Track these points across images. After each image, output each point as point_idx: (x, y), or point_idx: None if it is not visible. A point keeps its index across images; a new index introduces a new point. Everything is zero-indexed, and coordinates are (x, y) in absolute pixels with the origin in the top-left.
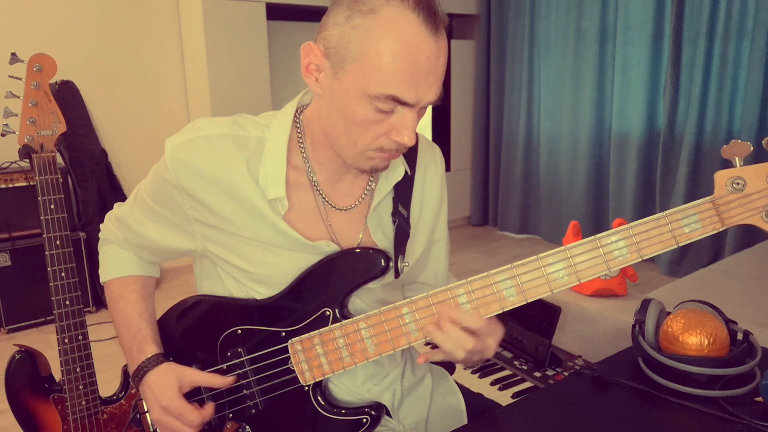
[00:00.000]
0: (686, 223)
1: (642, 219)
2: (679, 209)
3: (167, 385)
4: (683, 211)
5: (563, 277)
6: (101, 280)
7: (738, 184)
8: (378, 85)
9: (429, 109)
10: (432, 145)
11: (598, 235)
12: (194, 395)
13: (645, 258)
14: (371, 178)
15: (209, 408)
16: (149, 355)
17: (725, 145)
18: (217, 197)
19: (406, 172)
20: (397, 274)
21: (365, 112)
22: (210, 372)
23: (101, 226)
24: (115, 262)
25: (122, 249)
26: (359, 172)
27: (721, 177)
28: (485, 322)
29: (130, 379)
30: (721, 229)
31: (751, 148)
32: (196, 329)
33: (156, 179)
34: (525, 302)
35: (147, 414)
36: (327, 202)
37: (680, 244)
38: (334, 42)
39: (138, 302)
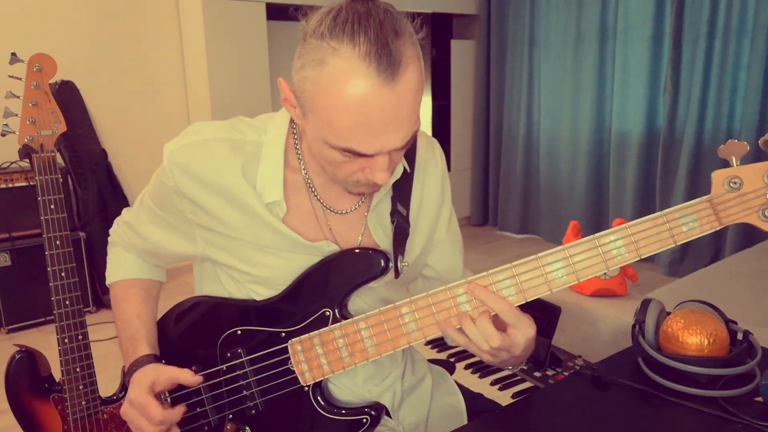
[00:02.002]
0: (684, 222)
1: (640, 218)
2: (676, 208)
3: (139, 381)
4: (681, 210)
5: (562, 277)
6: (106, 282)
7: (735, 183)
8: (333, 139)
9: (429, 109)
10: (431, 141)
11: (597, 235)
12: (194, 396)
13: (643, 257)
14: None
15: (178, 409)
16: (140, 356)
17: (722, 145)
18: (216, 201)
19: (405, 169)
20: (397, 274)
21: (332, 155)
22: (210, 373)
23: (110, 230)
24: (120, 264)
25: (128, 252)
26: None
27: (718, 176)
28: (515, 312)
29: (123, 379)
30: (718, 228)
31: (748, 148)
32: (196, 330)
33: (157, 184)
34: (524, 302)
35: None
36: (325, 206)
37: (678, 243)
38: (296, 87)
39: (138, 304)
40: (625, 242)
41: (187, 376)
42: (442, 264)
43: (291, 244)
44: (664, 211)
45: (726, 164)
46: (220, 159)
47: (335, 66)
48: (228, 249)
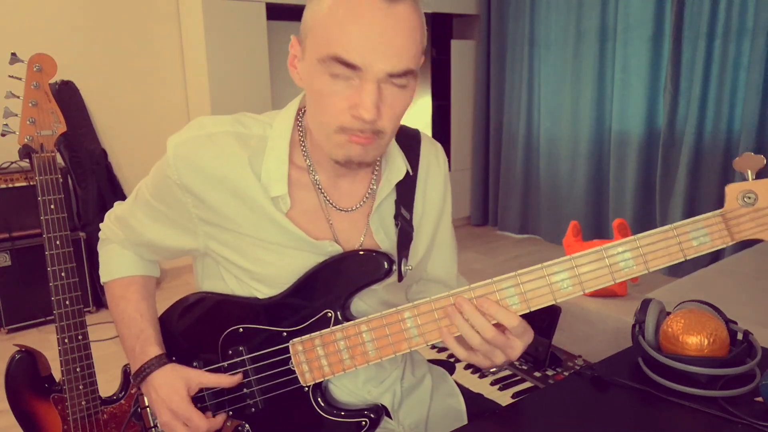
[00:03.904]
0: (695, 236)
1: (649, 231)
2: (687, 222)
3: (175, 389)
4: (692, 224)
5: (567, 287)
6: (102, 280)
7: (749, 198)
8: (324, 47)
9: (429, 109)
10: (434, 143)
11: (604, 246)
12: (198, 400)
13: (651, 270)
14: (373, 178)
15: (219, 417)
16: (152, 356)
17: (737, 158)
18: (220, 195)
19: (408, 171)
20: (400, 278)
21: (321, 81)
22: (212, 369)
23: (101, 225)
24: (116, 262)
25: (123, 248)
26: (339, 165)
27: (732, 190)
28: (519, 322)
29: (132, 378)
30: (730, 243)
31: (765, 161)
32: (198, 327)
33: (158, 177)
34: (528, 311)
35: (147, 409)
36: (329, 202)
37: (688, 258)
38: (301, 25)
39: (139, 302)
40: (633, 254)
41: (221, 380)
42: (439, 268)
43: (294, 240)
44: (675, 224)
45: (728, 166)
46: (227, 152)
47: None
48: (230, 244)
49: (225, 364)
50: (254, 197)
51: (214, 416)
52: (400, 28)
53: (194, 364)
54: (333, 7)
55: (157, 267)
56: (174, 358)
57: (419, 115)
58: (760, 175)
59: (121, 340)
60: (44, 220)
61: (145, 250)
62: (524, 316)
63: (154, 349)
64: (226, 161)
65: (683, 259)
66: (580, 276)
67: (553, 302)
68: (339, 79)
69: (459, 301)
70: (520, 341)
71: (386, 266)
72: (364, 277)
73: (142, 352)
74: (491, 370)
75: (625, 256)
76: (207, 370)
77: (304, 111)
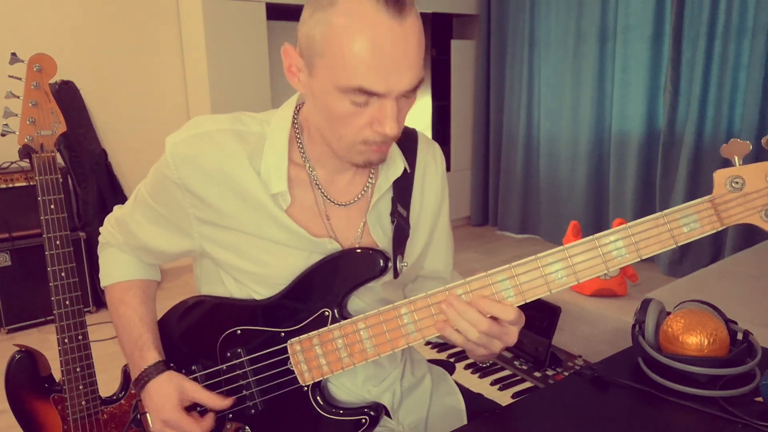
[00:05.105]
0: (685, 222)
1: (640, 219)
2: (677, 209)
3: (168, 398)
4: (682, 210)
5: (562, 278)
6: (101, 284)
7: (737, 183)
8: (344, 79)
9: (429, 109)
10: (431, 143)
11: (597, 235)
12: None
13: (644, 258)
14: (371, 174)
15: (209, 419)
16: (151, 362)
17: (724, 144)
18: (220, 193)
19: (405, 169)
20: (396, 275)
21: (341, 106)
22: (210, 372)
23: (101, 229)
24: (116, 266)
25: (122, 252)
26: (356, 167)
27: (720, 176)
28: (516, 315)
29: (132, 385)
30: (720, 229)
31: (750, 147)
32: (196, 329)
33: (157, 176)
34: (524, 302)
35: (147, 414)
36: (326, 197)
37: (679, 244)
38: (304, 41)
39: (139, 306)
40: (625, 243)
41: (214, 401)
42: (435, 264)
43: (293, 237)
44: (665, 211)
45: (728, 164)
46: (226, 149)
47: (346, 3)
48: (228, 245)
49: (224, 366)
50: (254, 194)
51: (204, 418)
52: (412, 43)
53: (193, 367)
54: (350, 37)
55: (158, 271)
56: (172, 365)
57: (419, 115)
58: (747, 160)
59: (120, 346)
60: (44, 220)
61: (144, 254)
62: (524, 312)
63: (153, 355)
64: (225, 158)
65: (675, 246)
66: (574, 266)
67: (548, 293)
68: (360, 103)
69: (450, 299)
70: (515, 327)
71: (381, 264)
72: (360, 275)
73: (141, 357)
74: (487, 363)
75: (618, 245)
76: (206, 374)
77: (299, 108)
